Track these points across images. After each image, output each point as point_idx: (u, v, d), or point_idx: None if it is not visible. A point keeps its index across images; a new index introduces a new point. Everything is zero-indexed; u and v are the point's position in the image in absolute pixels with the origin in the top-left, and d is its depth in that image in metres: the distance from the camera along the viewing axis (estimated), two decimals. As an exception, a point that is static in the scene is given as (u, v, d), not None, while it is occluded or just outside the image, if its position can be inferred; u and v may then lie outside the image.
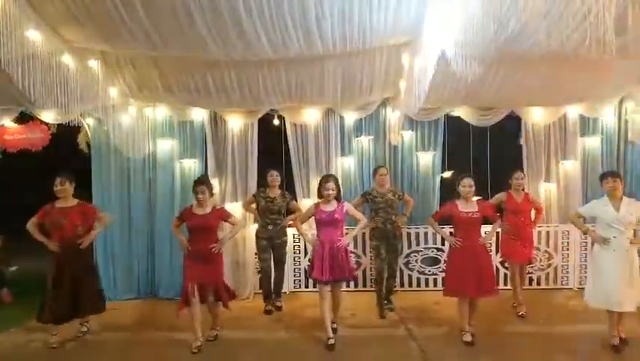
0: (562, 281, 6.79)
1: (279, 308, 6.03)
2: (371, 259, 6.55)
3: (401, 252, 6.51)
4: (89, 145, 6.83)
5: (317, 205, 4.94)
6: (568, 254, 6.77)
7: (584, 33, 2.41)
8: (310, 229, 5.85)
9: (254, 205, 6.10)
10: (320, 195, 4.90)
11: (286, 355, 4.62)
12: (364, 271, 6.78)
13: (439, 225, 5.17)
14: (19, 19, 3.49)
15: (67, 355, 4.70)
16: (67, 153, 7.16)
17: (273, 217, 5.94)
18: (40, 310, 4.83)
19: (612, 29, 2.26)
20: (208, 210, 4.85)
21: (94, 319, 5.31)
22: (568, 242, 6.77)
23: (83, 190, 6.68)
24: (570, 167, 6.90)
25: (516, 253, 5.72)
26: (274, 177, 5.95)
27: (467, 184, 4.85)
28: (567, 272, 6.80)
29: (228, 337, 5.05)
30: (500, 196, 5.83)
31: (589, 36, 2.33)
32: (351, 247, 5.41)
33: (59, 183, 4.92)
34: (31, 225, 4.86)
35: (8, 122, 6.46)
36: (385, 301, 5.80)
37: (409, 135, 6.91)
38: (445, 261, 6.50)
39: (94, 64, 4.81)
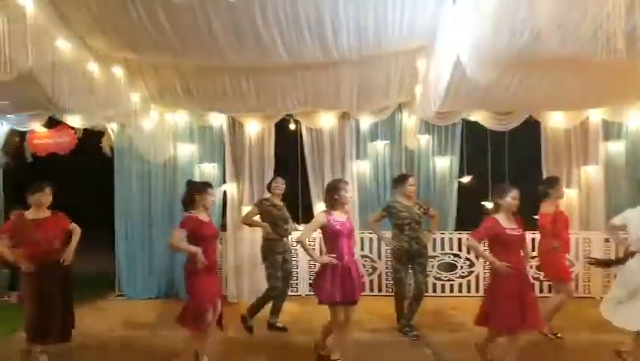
0: (584, 290, 6.66)
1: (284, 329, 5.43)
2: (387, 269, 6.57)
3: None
4: (112, 149, 7.05)
5: (328, 214, 4.13)
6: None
7: (597, 42, 2.38)
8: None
9: (257, 217, 5.54)
10: (333, 203, 4.16)
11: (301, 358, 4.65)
12: (380, 276, 6.78)
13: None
14: (49, 29, 3.66)
15: (86, 353, 4.81)
16: (91, 157, 7.39)
17: (286, 228, 5.47)
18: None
19: (623, 38, 2.23)
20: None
21: (115, 316, 5.39)
22: (589, 250, 6.64)
23: (105, 193, 6.93)
24: (592, 173, 6.77)
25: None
26: (280, 184, 5.51)
27: (517, 197, 4.03)
28: (589, 281, 6.66)
29: (243, 340, 5.11)
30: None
31: (602, 45, 2.31)
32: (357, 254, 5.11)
33: (49, 192, 4.39)
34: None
35: (38, 126, 6.73)
36: (407, 329, 5.14)
37: (425, 140, 6.90)
38: (460, 270, 6.43)
39: (118, 71, 4.97)
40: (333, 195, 4.15)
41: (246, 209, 6.41)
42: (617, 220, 4.49)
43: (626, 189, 6.76)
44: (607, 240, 6.60)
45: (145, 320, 5.86)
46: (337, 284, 3.99)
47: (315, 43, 4.20)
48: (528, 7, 2.65)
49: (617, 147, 6.83)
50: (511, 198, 3.99)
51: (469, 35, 3.26)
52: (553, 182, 5.22)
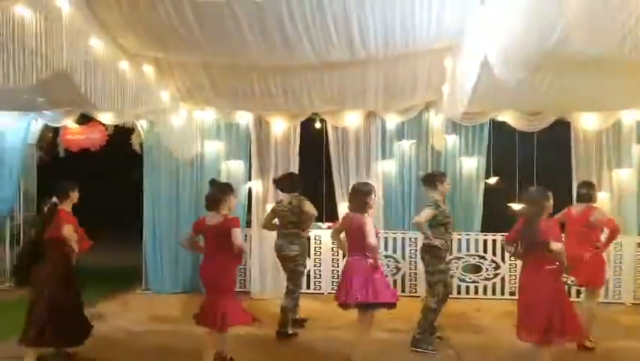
0: (613, 295, 6.49)
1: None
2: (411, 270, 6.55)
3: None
4: (141, 146, 7.21)
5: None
6: (620, 267, 6.46)
7: (626, 43, 2.33)
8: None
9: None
10: (366, 208, 4.19)
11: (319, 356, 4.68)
12: (403, 276, 6.75)
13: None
14: (83, 28, 3.77)
15: (110, 345, 4.91)
16: (121, 153, 7.58)
17: None
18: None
19: None
20: None
21: (141, 310, 5.48)
22: (621, 255, 6.46)
23: (135, 189, 7.09)
24: (625, 176, 6.58)
25: None
26: None
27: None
28: (619, 286, 6.49)
29: (268, 335, 5.16)
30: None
31: (631, 47, 2.25)
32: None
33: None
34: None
35: (70, 122, 6.93)
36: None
37: (452, 140, 6.83)
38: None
39: (148, 69, 5.08)
40: (367, 198, 4.19)
41: (271, 206, 6.46)
42: None
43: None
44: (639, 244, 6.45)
45: (170, 314, 5.98)
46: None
47: (342, 42, 4.21)
48: (558, 6, 2.60)
49: (651, 149, 6.63)
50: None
51: (496, 35, 3.22)
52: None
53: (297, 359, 4.64)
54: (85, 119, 7.11)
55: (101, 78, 4.22)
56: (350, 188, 4.64)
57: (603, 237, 5.03)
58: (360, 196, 4.21)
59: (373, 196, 4.26)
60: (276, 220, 5.39)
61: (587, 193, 4.99)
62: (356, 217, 4.18)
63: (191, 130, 6.72)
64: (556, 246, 3.70)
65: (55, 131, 7.53)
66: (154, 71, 5.20)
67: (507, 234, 4.31)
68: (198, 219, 4.47)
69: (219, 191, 4.32)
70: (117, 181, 5.16)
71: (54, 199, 4.38)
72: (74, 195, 4.47)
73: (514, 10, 2.90)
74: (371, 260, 4.10)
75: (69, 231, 4.23)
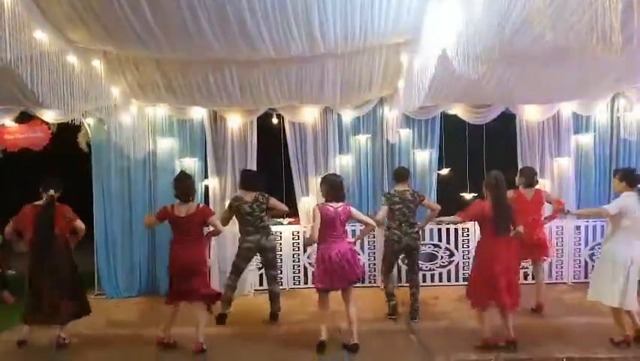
0: (556, 276, 6.93)
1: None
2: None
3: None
4: (88, 145, 6.88)
5: None
6: (562, 250, 6.91)
7: (587, 25, 2.47)
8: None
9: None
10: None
11: (286, 350, 4.70)
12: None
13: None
14: (27, 20, 3.54)
15: (70, 352, 4.73)
16: (67, 153, 7.20)
17: None
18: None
19: (618, 20, 2.30)
20: None
21: (95, 315, 5.31)
22: (562, 238, 6.91)
23: (83, 190, 6.76)
24: (564, 164, 7.04)
25: None
26: None
27: None
28: (561, 267, 6.94)
29: (228, 333, 5.13)
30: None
31: (593, 28, 2.38)
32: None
33: None
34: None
35: (9, 121, 6.50)
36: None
37: (406, 133, 7.00)
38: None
39: (97, 64, 4.85)
40: (343, 188, 4.70)
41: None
42: (611, 209, 4.54)
43: (595, 179, 7.08)
44: (578, 227, 6.92)
45: (126, 319, 5.78)
46: None
47: (302, 36, 4.19)
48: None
49: (586, 139, 7.11)
50: None
51: (455, 28, 3.34)
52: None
53: (271, 353, 4.64)
54: (25, 118, 6.69)
55: (48, 73, 4.00)
56: (322, 180, 4.81)
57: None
58: (341, 186, 4.66)
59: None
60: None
61: (535, 178, 5.70)
62: (339, 206, 4.57)
63: (142, 127, 6.49)
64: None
65: (-8, 130, 7.03)
66: (103, 65, 4.97)
67: (463, 212, 4.77)
68: (165, 208, 4.71)
69: (190, 181, 4.72)
70: (63, 182, 4.93)
71: (51, 192, 4.70)
72: (57, 194, 4.81)
73: (472, 2, 3.02)
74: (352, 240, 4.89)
75: (80, 224, 4.86)
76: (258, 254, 5.71)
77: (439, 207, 5.64)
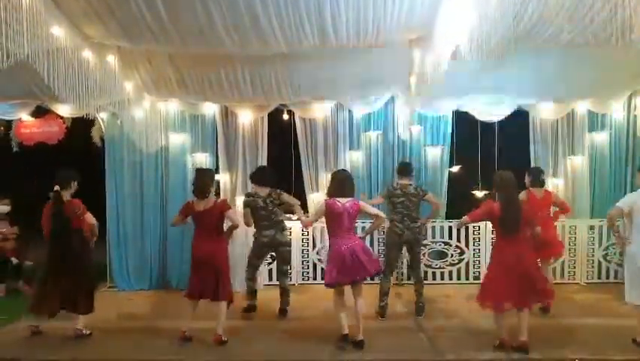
0: (569, 276, 6.86)
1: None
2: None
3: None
4: (102, 139, 6.96)
5: None
6: (575, 249, 6.83)
7: (606, 19, 2.43)
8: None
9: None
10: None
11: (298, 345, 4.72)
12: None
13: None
14: (44, 15, 3.59)
15: (83, 344, 4.79)
16: (81, 147, 7.28)
17: None
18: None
19: (638, 14, 2.26)
20: None
21: (110, 307, 5.39)
22: (575, 237, 6.83)
23: (97, 184, 6.84)
24: (578, 162, 6.95)
25: None
26: None
27: None
28: (574, 267, 6.86)
29: (239, 326, 5.16)
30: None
31: (612, 22, 2.34)
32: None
33: None
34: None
35: (25, 115, 6.60)
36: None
37: (417, 130, 6.97)
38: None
39: (111, 59, 4.90)
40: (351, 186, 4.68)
41: (242, 199, 6.40)
42: (623, 204, 4.50)
43: (610, 178, 6.98)
44: (592, 227, 6.83)
45: (138, 311, 5.84)
46: None
47: (314, 31, 4.20)
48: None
49: (601, 138, 7.02)
50: None
51: (469, 24, 3.31)
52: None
53: (281, 348, 4.65)
54: (41, 112, 6.78)
55: (64, 68, 4.05)
56: (331, 176, 4.82)
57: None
58: (351, 182, 4.67)
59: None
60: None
61: (544, 179, 5.69)
62: (348, 201, 4.54)
63: (155, 122, 6.54)
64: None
65: (9, 124, 7.13)
66: (117, 60, 5.02)
67: (471, 213, 4.65)
68: (187, 203, 4.79)
69: (208, 177, 4.77)
70: (76, 176, 4.99)
71: (56, 188, 4.70)
72: (74, 185, 4.85)
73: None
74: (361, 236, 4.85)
75: (90, 219, 4.85)
76: (272, 250, 5.70)
77: (440, 203, 5.65)
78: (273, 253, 5.95)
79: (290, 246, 5.83)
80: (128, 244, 6.81)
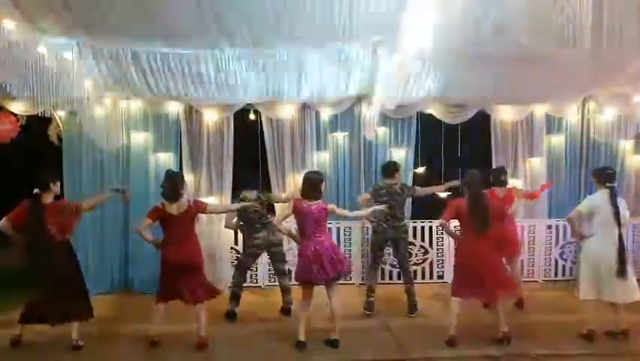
0: (527, 274, 7.07)
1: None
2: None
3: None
4: (59, 137, 6.70)
5: None
6: (534, 248, 7.05)
7: (560, 29, 2.53)
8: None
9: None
10: (320, 195, 4.68)
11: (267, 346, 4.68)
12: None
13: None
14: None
15: (45, 350, 4.63)
16: (37, 145, 6.98)
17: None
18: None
19: (588, 22, 2.36)
20: None
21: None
22: (533, 236, 7.05)
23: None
24: (537, 164, 7.18)
25: None
26: None
27: None
28: (532, 265, 7.08)
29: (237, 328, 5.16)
30: None
31: (568, 34, 2.44)
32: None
33: None
34: None
35: (-24, 112, 6.27)
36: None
37: (382, 131, 7.03)
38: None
39: (69, 55, 4.72)
40: (321, 185, 4.65)
41: (206, 200, 6.29)
42: (583, 208, 4.75)
43: (566, 180, 7.25)
44: (549, 226, 7.07)
45: (100, 315, 5.64)
46: None
47: (280, 30, 4.17)
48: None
49: (558, 140, 7.27)
50: None
51: (432, 28, 3.37)
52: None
53: (246, 351, 4.62)
54: (-8, 109, 6.45)
55: (17, 64, 3.88)
56: (303, 177, 4.79)
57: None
58: (317, 184, 4.60)
59: (323, 184, 4.69)
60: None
61: (506, 178, 5.88)
62: (314, 204, 4.53)
63: (116, 120, 6.34)
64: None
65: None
66: (75, 56, 4.83)
67: (445, 214, 4.75)
68: (157, 207, 4.59)
69: (179, 180, 4.64)
70: (32, 176, 4.77)
71: (35, 191, 4.52)
72: (55, 188, 4.68)
73: (450, 3, 3.05)
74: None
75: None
76: (265, 251, 5.72)
77: (435, 188, 5.91)
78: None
79: (282, 245, 5.82)
80: (87, 246, 6.56)
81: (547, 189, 6.54)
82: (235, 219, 5.64)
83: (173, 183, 4.56)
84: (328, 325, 4.79)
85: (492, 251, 4.58)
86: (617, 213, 4.54)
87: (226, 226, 5.84)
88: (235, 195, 5.94)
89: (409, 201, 7.03)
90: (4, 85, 3.82)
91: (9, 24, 3.66)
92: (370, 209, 5.00)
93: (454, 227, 5.04)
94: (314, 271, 4.45)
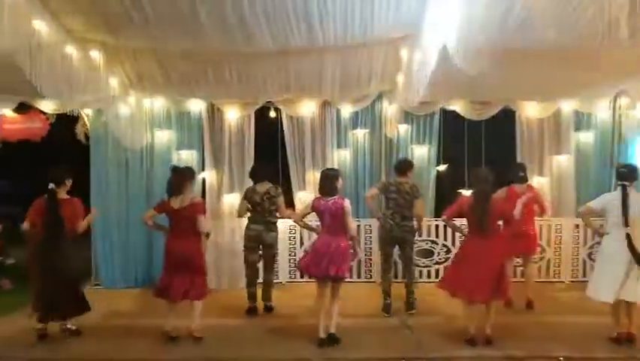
0: (553, 274, 6.92)
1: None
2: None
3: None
4: (87, 136, 6.86)
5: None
6: (560, 248, 6.89)
7: (591, 20, 2.44)
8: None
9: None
10: (335, 191, 4.57)
11: (283, 343, 4.71)
12: (359, 263, 6.86)
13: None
14: (26, 9, 3.52)
15: (66, 342, 4.71)
16: (65, 144, 7.17)
17: None
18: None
19: (624, 13, 2.27)
20: None
21: (95, 305, 5.32)
22: (560, 236, 6.89)
23: (81, 181, 6.74)
24: (564, 161, 7.01)
25: None
26: None
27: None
28: (559, 266, 6.92)
29: (224, 325, 5.13)
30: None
31: (601, 25, 2.35)
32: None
33: None
34: None
35: (7, 111, 6.48)
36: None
37: (404, 129, 6.97)
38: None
39: (95, 55, 4.83)
40: (336, 182, 4.53)
41: (228, 197, 6.36)
42: (594, 204, 4.67)
43: (595, 178, 7.05)
44: (577, 225, 6.89)
45: (124, 310, 5.77)
46: None
47: (301, 29, 4.18)
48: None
49: (587, 137, 7.08)
50: None
51: (456, 23, 3.31)
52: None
53: (266, 346, 4.64)
54: (24, 108, 6.65)
55: (46, 63, 3.98)
56: (320, 174, 4.77)
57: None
58: (332, 180, 4.51)
59: (340, 180, 4.60)
60: (248, 206, 5.56)
61: (525, 175, 5.75)
62: (330, 200, 4.46)
63: (140, 119, 6.47)
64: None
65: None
66: (102, 56, 4.95)
67: (447, 210, 4.79)
68: (162, 201, 4.70)
69: (182, 176, 4.62)
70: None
71: (51, 186, 4.57)
72: (69, 183, 4.75)
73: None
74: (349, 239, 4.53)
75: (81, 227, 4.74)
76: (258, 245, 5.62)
77: (422, 216, 5.67)
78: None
79: (274, 249, 5.68)
80: (113, 241, 6.73)
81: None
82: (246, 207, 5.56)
83: (174, 179, 4.61)
84: (343, 321, 4.76)
85: (493, 250, 4.42)
86: (624, 213, 4.41)
87: (238, 215, 5.76)
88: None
89: (430, 200, 7.00)
90: (34, 84, 3.89)
91: (39, 24, 3.76)
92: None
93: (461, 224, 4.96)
94: (317, 265, 4.42)
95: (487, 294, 4.43)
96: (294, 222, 5.33)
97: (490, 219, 4.44)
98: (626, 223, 4.39)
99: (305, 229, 5.53)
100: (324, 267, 4.40)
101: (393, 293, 5.55)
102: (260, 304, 5.57)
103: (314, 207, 4.56)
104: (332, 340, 4.50)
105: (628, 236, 4.37)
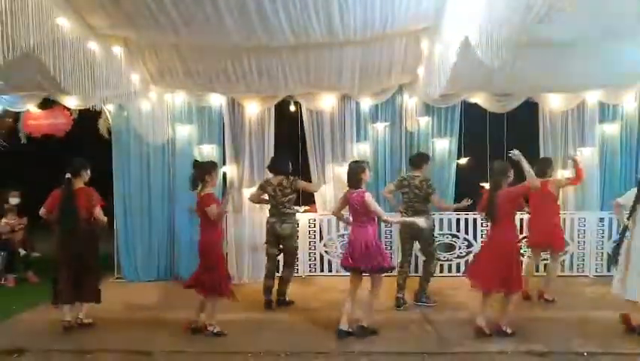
0: (577, 269, 6.80)
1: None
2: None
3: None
4: (109, 131, 6.97)
5: None
6: (584, 242, 6.76)
7: (618, 10, 2.37)
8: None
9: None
10: (361, 183, 4.61)
11: (303, 335, 4.73)
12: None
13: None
14: (49, 5, 3.57)
15: (88, 334, 4.82)
16: (88, 139, 7.29)
17: None
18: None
19: None
20: None
21: (117, 297, 5.43)
22: (584, 230, 6.76)
23: (104, 176, 6.87)
24: (588, 154, 6.85)
25: None
26: None
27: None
28: (583, 260, 6.79)
29: (244, 318, 5.18)
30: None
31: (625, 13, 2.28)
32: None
33: None
34: None
35: (32, 107, 6.62)
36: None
37: (425, 122, 6.90)
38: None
39: (117, 50, 4.88)
40: (361, 175, 4.57)
41: (248, 191, 6.38)
42: (623, 200, 4.69)
43: (621, 171, 6.89)
44: (601, 219, 6.75)
45: (146, 302, 5.87)
46: None
47: (321, 23, 4.15)
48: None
49: (612, 129, 6.91)
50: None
51: (478, 15, 3.25)
52: None
53: (286, 339, 4.65)
54: (47, 104, 6.79)
55: (70, 59, 4.04)
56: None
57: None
58: (357, 173, 4.56)
59: (367, 172, 4.63)
60: (265, 196, 5.61)
61: (548, 170, 5.71)
62: (355, 192, 4.54)
63: (162, 114, 6.53)
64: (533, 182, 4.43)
65: (17, 116, 7.16)
66: (123, 51, 5.01)
67: (478, 205, 4.99)
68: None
69: (200, 169, 4.67)
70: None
71: (67, 175, 4.70)
72: (86, 174, 4.86)
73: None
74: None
75: (99, 214, 4.82)
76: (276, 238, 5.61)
77: (443, 207, 5.92)
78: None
79: (290, 241, 5.58)
80: (135, 235, 6.84)
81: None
82: (265, 196, 5.59)
83: (193, 172, 4.68)
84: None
85: (501, 240, 4.50)
86: (633, 208, 4.45)
87: (249, 199, 5.93)
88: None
89: (451, 194, 6.92)
90: (58, 80, 3.96)
91: (62, 20, 3.81)
92: (400, 219, 5.20)
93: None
94: (353, 257, 4.49)
95: (496, 283, 4.48)
96: (333, 214, 5.30)
97: (497, 209, 4.48)
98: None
99: (340, 221, 5.68)
100: (359, 260, 4.47)
101: (411, 287, 5.53)
102: (275, 297, 5.58)
103: (345, 200, 4.67)
104: (361, 332, 4.56)
105: None
